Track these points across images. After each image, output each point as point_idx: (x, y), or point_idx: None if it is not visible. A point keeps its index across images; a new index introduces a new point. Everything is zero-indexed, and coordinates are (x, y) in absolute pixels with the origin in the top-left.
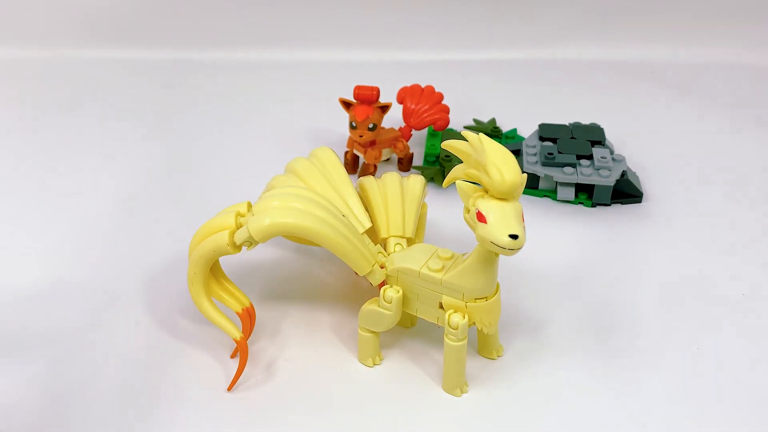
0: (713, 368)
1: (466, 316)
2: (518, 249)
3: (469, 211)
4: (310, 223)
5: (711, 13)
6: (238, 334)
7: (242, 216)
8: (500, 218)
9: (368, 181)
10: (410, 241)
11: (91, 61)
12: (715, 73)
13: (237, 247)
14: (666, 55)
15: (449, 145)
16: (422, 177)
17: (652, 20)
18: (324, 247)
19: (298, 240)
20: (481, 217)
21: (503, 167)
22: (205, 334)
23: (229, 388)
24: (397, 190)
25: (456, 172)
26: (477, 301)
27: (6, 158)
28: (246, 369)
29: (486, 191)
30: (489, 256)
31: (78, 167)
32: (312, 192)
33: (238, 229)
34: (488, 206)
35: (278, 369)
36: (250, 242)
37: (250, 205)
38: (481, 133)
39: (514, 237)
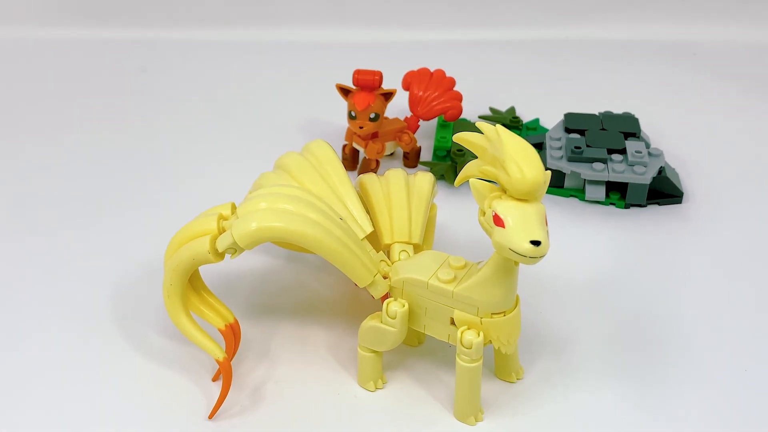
0: (764, 392)
1: (482, 334)
2: (541, 257)
3: (484, 213)
4: (303, 228)
5: None
6: (220, 354)
7: (225, 219)
8: (520, 222)
9: (369, 179)
10: (417, 248)
11: (57, 41)
12: (765, 55)
13: (219, 255)
14: (710, 35)
15: (462, 137)
16: (431, 174)
17: None
18: (319, 254)
19: (290, 247)
20: (498, 221)
21: (523, 163)
22: (184, 354)
23: (211, 416)
24: (402, 190)
25: (469, 169)
26: (494, 316)
27: None
28: (230, 394)
29: (504, 191)
30: (507, 264)
31: (39, 160)
32: (305, 192)
33: (220, 234)
34: (507, 208)
35: (267, 393)
36: (235, 249)
37: (234, 207)
38: (498, 124)
39: (535, 243)
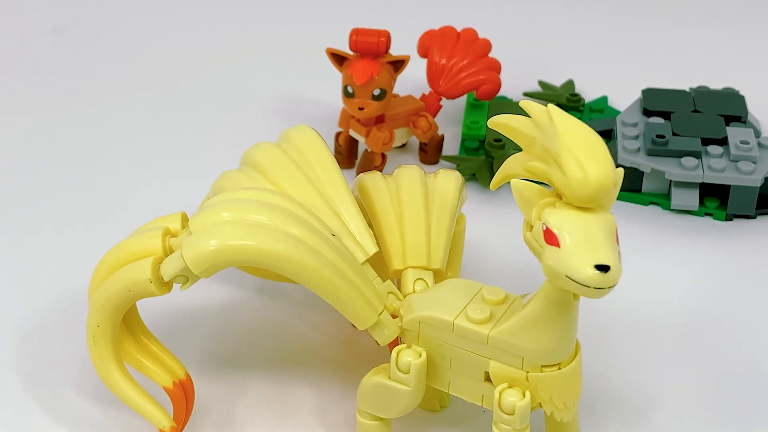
0: None
1: (528, 394)
2: (610, 288)
3: (532, 227)
4: (281, 247)
5: None
6: (167, 422)
7: (174, 236)
8: (581, 239)
9: (373, 180)
10: (439, 275)
11: None
12: None
13: (165, 285)
14: None
15: (499, 122)
16: (458, 173)
17: None
18: (303, 284)
19: (263, 274)
20: (551, 238)
21: (585, 158)
22: (116, 422)
23: None
24: (418, 195)
25: (511, 166)
26: (544, 369)
27: None
28: None
29: (559, 196)
30: (563, 298)
31: None
32: (284, 197)
33: (166, 256)
34: (562, 220)
35: None
36: (187, 277)
37: (186, 218)
38: (551, 104)
39: (602, 269)
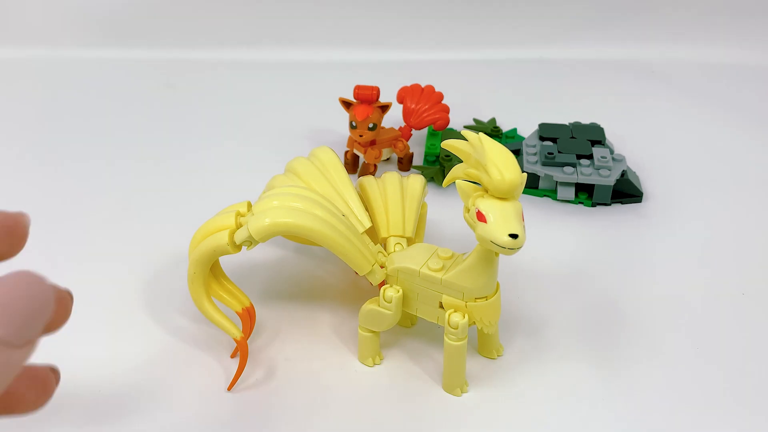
0: (714, 366)
1: (467, 316)
2: (518, 248)
3: (468, 210)
4: (310, 223)
5: (711, 12)
6: (238, 333)
7: (242, 216)
8: (500, 217)
9: (368, 180)
10: (410, 241)
11: (92, 61)
12: (715, 72)
13: (237, 247)
14: (666, 55)
15: (449, 144)
16: (422, 176)
17: (652, 19)
18: (324, 246)
19: (298, 239)
20: (481, 217)
21: (503, 167)
22: (205, 333)
23: (230, 388)
24: (397, 190)
25: (456, 171)
26: (477, 300)
27: (7, 159)
28: (246, 369)
29: (486, 191)
30: (489, 255)
31: (77, 167)
32: (311, 191)
33: (238, 228)
34: (488, 206)
35: (278, 368)
36: (250, 242)
37: (249, 205)
38: (480, 133)
39: (514, 236)
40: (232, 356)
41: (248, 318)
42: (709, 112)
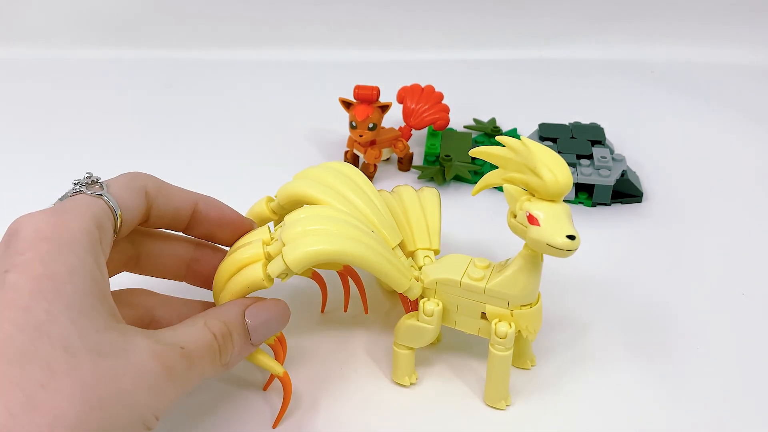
0: (714, 367)
1: (513, 325)
2: (575, 250)
3: (515, 215)
4: (348, 248)
5: (711, 13)
6: (281, 370)
7: (267, 245)
8: (554, 219)
9: (384, 195)
10: (436, 253)
11: (92, 61)
12: (715, 72)
13: (271, 280)
14: (666, 55)
15: (480, 152)
16: (435, 190)
17: (652, 20)
18: (362, 268)
19: (323, 265)
20: (533, 220)
21: (555, 168)
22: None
23: (275, 425)
24: (415, 203)
25: (491, 178)
26: (522, 308)
27: (7, 159)
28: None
29: (532, 194)
30: (535, 260)
31: (77, 167)
32: (336, 210)
33: (267, 260)
34: (539, 208)
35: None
36: (287, 274)
37: (269, 233)
38: (523, 136)
39: (571, 237)
40: (265, 389)
41: (280, 348)
42: (709, 112)
